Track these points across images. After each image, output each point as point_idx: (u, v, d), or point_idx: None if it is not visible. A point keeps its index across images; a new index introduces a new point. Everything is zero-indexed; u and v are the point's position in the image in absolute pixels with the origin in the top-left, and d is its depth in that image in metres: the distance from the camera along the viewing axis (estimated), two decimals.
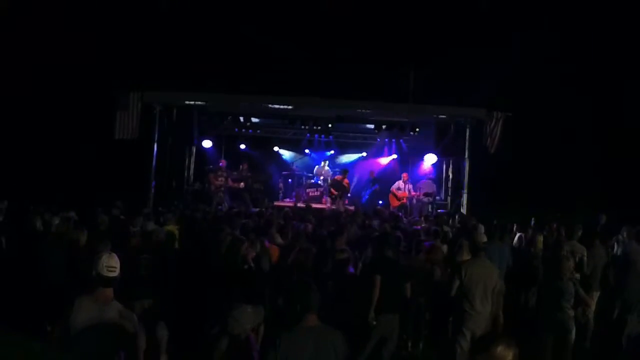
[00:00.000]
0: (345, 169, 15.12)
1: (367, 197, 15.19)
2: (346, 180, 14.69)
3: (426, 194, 14.36)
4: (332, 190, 14.53)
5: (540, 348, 5.33)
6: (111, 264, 3.42)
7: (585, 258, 6.89)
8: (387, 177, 15.58)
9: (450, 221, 10.84)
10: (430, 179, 14.86)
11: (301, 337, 3.13)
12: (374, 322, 5.33)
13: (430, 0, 15.63)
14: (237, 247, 5.65)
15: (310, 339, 3.12)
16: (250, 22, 15.34)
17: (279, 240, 7.20)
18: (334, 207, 13.77)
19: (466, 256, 5.79)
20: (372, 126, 15.29)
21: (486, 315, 5.19)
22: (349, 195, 14.99)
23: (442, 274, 6.04)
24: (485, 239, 6.29)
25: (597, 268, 7.01)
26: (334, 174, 15.55)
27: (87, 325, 3.29)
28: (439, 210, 13.58)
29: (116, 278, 3.46)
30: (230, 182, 14.27)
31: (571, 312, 5.35)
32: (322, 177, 15.54)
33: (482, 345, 2.93)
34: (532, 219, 9.52)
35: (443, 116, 14.12)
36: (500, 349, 2.80)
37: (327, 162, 16.14)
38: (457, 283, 5.17)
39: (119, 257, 3.57)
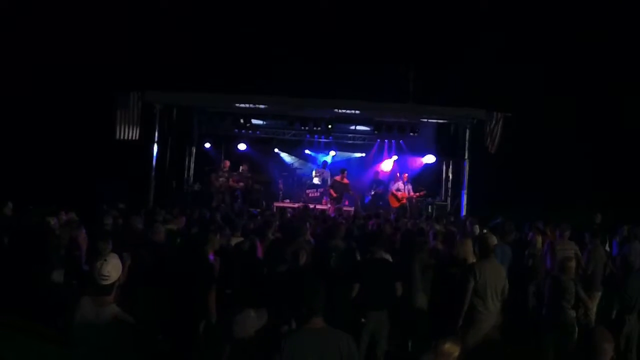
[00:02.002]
0: (343, 168, 14.82)
1: (369, 198, 15.08)
2: (345, 180, 14.49)
3: (426, 195, 14.37)
4: (331, 191, 14.36)
5: (542, 349, 5.34)
6: (104, 273, 3.29)
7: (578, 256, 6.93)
8: (388, 179, 15.54)
9: (452, 221, 10.83)
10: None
11: (306, 339, 3.09)
12: (363, 320, 5.38)
13: (431, 0, 15.65)
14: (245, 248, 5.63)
15: (316, 341, 3.08)
16: (250, 22, 15.35)
17: None
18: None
19: (468, 256, 5.78)
20: (371, 127, 15.25)
21: (496, 314, 5.27)
22: (350, 194, 14.75)
23: (443, 273, 6.03)
24: (495, 240, 6.30)
25: (598, 268, 7.03)
26: (333, 175, 15.46)
27: (83, 326, 3.28)
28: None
29: (111, 285, 3.34)
30: (231, 182, 14.19)
31: (572, 313, 5.36)
32: (321, 178, 15.47)
33: (432, 344, 3.16)
34: (539, 220, 9.50)
35: (443, 117, 14.13)
36: (447, 346, 3.17)
37: (327, 163, 16.11)
38: (471, 284, 5.20)
39: (121, 256, 3.52)
